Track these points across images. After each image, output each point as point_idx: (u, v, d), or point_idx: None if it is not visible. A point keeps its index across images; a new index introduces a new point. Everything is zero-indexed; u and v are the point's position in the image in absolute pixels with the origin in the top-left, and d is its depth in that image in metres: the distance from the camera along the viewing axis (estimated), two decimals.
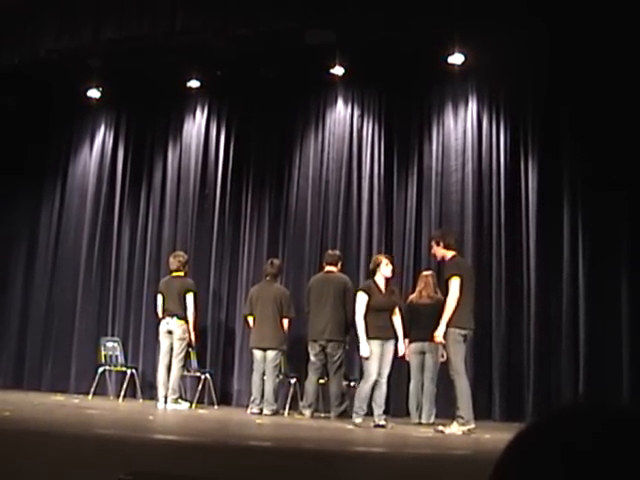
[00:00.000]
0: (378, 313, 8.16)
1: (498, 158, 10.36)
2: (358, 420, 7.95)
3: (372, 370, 8.01)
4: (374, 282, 8.31)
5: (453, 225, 10.26)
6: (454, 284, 7.50)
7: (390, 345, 8.20)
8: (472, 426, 7.34)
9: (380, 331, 8.13)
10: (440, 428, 7.49)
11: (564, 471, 0.73)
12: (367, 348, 8.02)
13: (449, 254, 7.80)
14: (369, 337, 8.06)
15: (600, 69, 9.53)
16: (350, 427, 7.84)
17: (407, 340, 8.85)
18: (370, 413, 8.08)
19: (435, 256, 8.21)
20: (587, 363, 9.20)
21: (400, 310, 8.54)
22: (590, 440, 0.74)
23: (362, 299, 8.20)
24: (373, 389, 8.02)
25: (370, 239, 10.86)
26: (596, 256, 9.47)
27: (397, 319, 8.39)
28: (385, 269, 8.32)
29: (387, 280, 8.36)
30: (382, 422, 7.93)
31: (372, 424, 7.92)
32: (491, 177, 10.35)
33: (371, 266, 8.51)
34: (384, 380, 8.12)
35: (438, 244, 7.91)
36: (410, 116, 11.04)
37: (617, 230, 9.41)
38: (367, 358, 8.03)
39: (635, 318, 9.04)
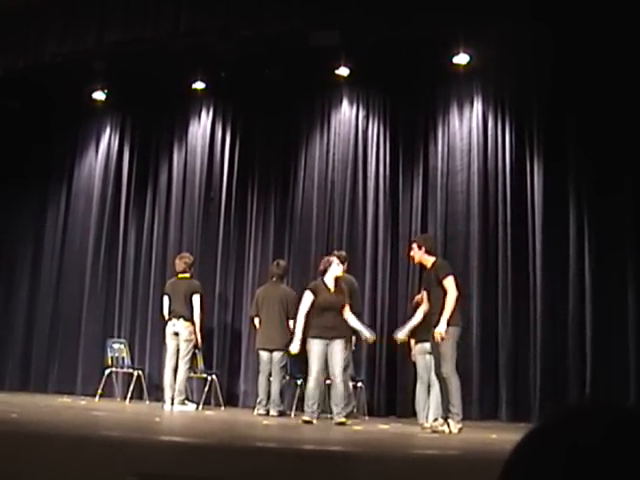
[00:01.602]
0: (323, 312, 8.24)
1: (503, 158, 10.35)
2: (306, 417, 8.06)
3: (312, 369, 8.16)
4: (322, 281, 8.40)
5: (458, 225, 10.28)
6: (450, 282, 7.58)
7: (337, 345, 8.17)
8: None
9: (323, 331, 8.19)
10: (441, 429, 7.51)
11: (572, 471, 0.73)
12: (296, 346, 8.31)
13: (430, 259, 7.85)
14: (311, 335, 8.18)
15: (605, 70, 9.52)
16: (357, 428, 7.84)
17: (413, 340, 8.85)
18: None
19: (413, 259, 8.22)
20: (594, 362, 9.18)
21: (352, 308, 8.62)
22: (598, 441, 0.73)
23: (307, 298, 8.37)
24: (329, 389, 8.05)
25: (376, 240, 10.86)
26: (602, 255, 9.45)
27: (350, 317, 8.38)
28: (336, 269, 8.47)
29: (337, 280, 8.44)
30: (341, 420, 8.00)
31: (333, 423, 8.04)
32: (497, 177, 10.34)
33: (321, 266, 8.61)
34: (338, 380, 8.12)
35: (420, 248, 7.94)
36: (415, 116, 11.04)
37: (623, 229, 9.39)
38: (293, 355, 8.33)
39: None
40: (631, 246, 9.31)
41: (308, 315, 8.47)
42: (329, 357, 8.14)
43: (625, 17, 8.94)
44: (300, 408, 9.58)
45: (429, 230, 10.52)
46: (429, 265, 7.85)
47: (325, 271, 8.46)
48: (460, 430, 7.34)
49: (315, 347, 8.15)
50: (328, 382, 9.29)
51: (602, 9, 8.89)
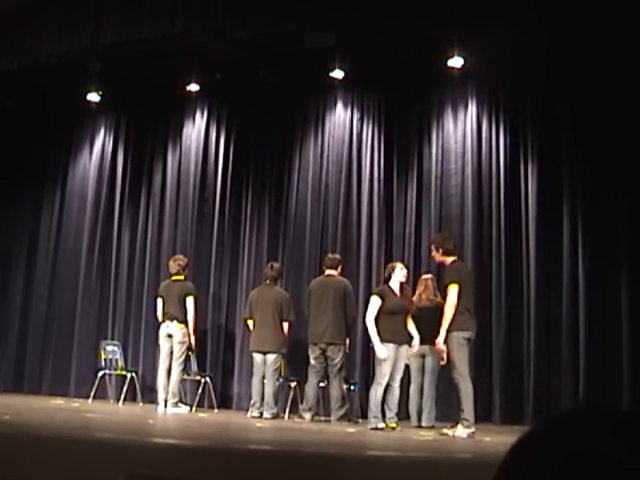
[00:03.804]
0: (392, 316, 8.14)
1: (498, 161, 10.36)
2: (380, 425, 7.94)
3: (385, 372, 7.99)
4: (388, 286, 8.35)
5: (453, 228, 10.26)
6: (452, 292, 7.60)
7: (404, 350, 8.20)
8: (474, 429, 7.41)
9: (395, 335, 8.10)
10: (445, 431, 7.53)
11: (568, 476, 0.72)
12: (384, 349, 7.98)
13: (448, 259, 7.91)
14: (384, 340, 8.06)
15: (600, 72, 9.53)
16: (351, 430, 7.84)
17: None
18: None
19: (434, 259, 8.32)
20: (587, 365, 9.19)
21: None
22: (593, 444, 0.73)
23: (374, 303, 8.19)
24: (385, 393, 8.01)
25: (370, 242, 10.86)
26: (596, 258, 9.47)
27: (410, 324, 8.37)
28: (399, 274, 8.38)
29: (402, 285, 8.41)
30: (393, 424, 7.97)
31: (370, 427, 7.95)
32: (491, 180, 10.35)
33: (386, 272, 8.56)
34: (397, 385, 8.11)
35: (437, 250, 8.00)
36: (410, 119, 11.04)
37: (617, 232, 9.41)
38: (384, 359, 8.02)
39: (635, 320, 9.03)
40: (624, 249, 9.32)
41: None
42: (396, 361, 8.09)
43: (621, 20, 8.96)
44: (294, 410, 9.58)
45: (423, 233, 10.55)
46: (447, 265, 7.92)
47: (389, 277, 8.41)
48: (469, 435, 7.32)
49: (390, 352, 8.03)
50: (322, 385, 9.33)
51: (597, 12, 8.91)
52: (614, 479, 0.71)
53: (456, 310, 7.55)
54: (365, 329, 9.72)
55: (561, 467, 0.73)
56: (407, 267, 8.71)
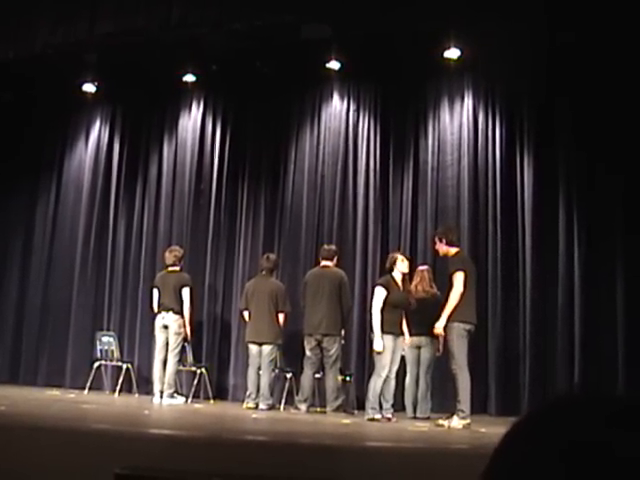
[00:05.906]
0: (394, 309, 8.17)
1: (494, 152, 10.36)
2: (377, 416, 7.97)
3: (385, 363, 8.02)
4: (392, 278, 8.34)
5: (449, 220, 10.26)
6: (459, 279, 7.59)
7: (400, 342, 8.26)
8: (469, 420, 7.43)
9: (394, 326, 8.16)
10: (440, 422, 7.55)
11: (562, 464, 0.72)
12: (381, 343, 8.03)
13: (452, 250, 7.93)
14: (384, 331, 8.07)
15: (597, 62, 9.52)
16: (347, 421, 7.86)
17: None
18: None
19: (438, 252, 8.29)
20: (583, 357, 9.21)
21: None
22: (588, 430, 0.73)
23: (380, 294, 8.20)
24: (383, 384, 8.03)
25: (366, 233, 10.86)
26: (592, 249, 9.48)
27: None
28: (401, 265, 8.39)
29: (404, 277, 8.41)
30: (389, 415, 8.00)
31: (367, 418, 7.97)
32: (487, 171, 10.35)
33: (387, 264, 8.56)
34: (393, 376, 8.15)
35: (441, 241, 8.01)
36: (406, 111, 11.03)
37: (612, 223, 9.42)
38: (379, 353, 8.04)
39: (631, 312, 9.05)
40: (620, 241, 9.33)
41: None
42: (393, 353, 8.13)
43: (617, 11, 8.94)
44: (289, 401, 9.60)
45: (419, 224, 10.56)
46: (451, 255, 7.93)
47: (391, 268, 8.42)
48: (465, 427, 7.34)
49: (389, 343, 8.08)
50: (318, 376, 9.34)
51: (596, 4, 8.89)
52: (609, 466, 0.71)
53: (462, 299, 7.56)
54: (361, 320, 9.77)
55: (555, 453, 0.73)
56: (408, 258, 8.70)
